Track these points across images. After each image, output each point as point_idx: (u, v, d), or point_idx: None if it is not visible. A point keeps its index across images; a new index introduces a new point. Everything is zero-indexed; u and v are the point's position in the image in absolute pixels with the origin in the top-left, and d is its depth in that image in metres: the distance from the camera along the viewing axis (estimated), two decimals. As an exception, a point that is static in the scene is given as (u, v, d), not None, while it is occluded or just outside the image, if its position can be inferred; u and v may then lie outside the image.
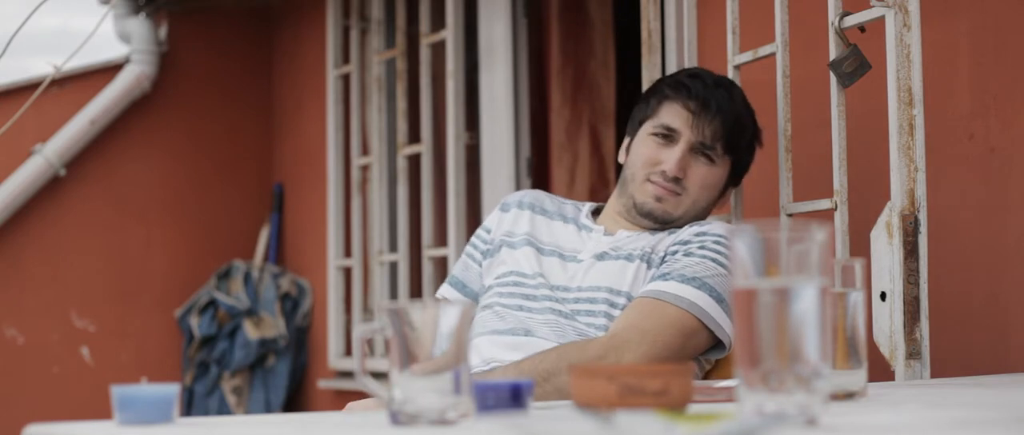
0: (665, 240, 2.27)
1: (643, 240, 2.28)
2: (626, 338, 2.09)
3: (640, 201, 2.32)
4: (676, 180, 2.29)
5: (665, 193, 2.30)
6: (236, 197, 4.94)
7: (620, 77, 3.84)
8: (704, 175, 2.31)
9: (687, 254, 2.19)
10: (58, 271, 4.66)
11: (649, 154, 2.33)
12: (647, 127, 2.35)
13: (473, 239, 2.45)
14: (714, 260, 2.18)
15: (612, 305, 2.19)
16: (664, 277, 2.17)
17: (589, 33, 3.90)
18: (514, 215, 2.39)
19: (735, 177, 2.39)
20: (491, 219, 2.44)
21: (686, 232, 2.25)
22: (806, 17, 2.58)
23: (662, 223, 2.32)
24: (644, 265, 2.23)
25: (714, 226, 2.25)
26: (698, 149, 2.31)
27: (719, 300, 2.15)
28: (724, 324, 2.15)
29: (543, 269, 2.28)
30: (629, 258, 2.25)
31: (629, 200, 2.34)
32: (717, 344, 2.18)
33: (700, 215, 2.35)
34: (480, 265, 2.39)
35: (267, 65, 5.01)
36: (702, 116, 2.30)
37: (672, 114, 2.32)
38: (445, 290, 2.41)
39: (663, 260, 2.23)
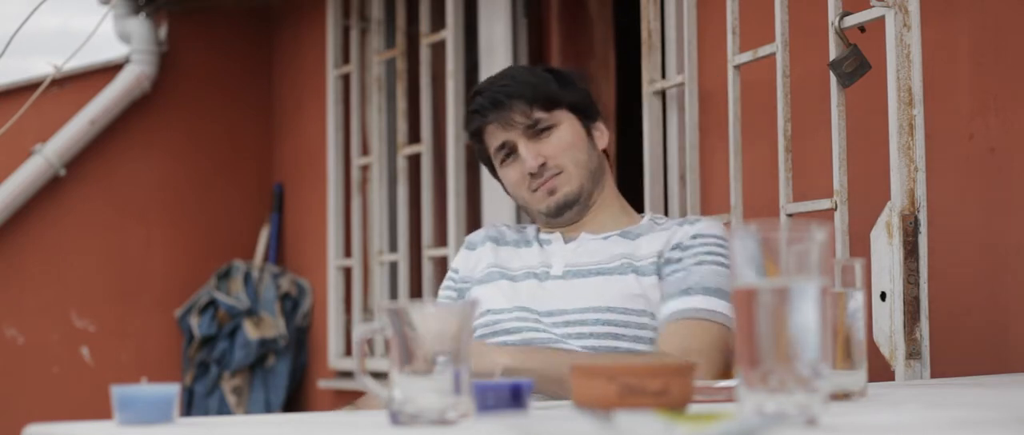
0: (644, 245, 2.24)
1: (617, 247, 2.25)
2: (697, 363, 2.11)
3: (544, 209, 2.33)
4: (543, 167, 2.30)
5: (548, 183, 2.31)
6: (236, 197, 4.94)
7: (620, 77, 3.84)
8: (555, 142, 2.31)
9: (699, 263, 2.18)
10: (58, 271, 4.66)
11: (512, 175, 2.35)
12: (494, 160, 2.38)
13: (445, 282, 2.42)
14: (721, 264, 2.18)
15: (606, 323, 2.17)
16: (688, 292, 2.16)
17: (589, 33, 3.90)
18: (479, 253, 2.38)
19: (586, 115, 2.37)
20: (458, 260, 2.42)
21: (679, 234, 2.23)
22: (806, 17, 2.58)
23: (575, 204, 2.31)
24: (632, 276, 2.21)
25: (706, 226, 2.23)
26: (529, 134, 2.31)
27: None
28: None
29: (522, 298, 2.25)
30: (608, 272, 2.22)
31: (540, 216, 2.36)
32: None
33: (593, 168, 2.33)
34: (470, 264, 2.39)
35: (267, 65, 5.01)
36: (502, 113, 2.31)
37: (491, 136, 2.35)
38: None
39: (666, 264, 2.21)
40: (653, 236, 2.24)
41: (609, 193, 2.37)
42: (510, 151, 2.33)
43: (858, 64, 2.33)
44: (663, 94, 3.04)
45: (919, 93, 2.21)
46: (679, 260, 2.20)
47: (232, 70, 4.97)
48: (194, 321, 4.70)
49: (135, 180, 4.78)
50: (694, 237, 2.22)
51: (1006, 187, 2.39)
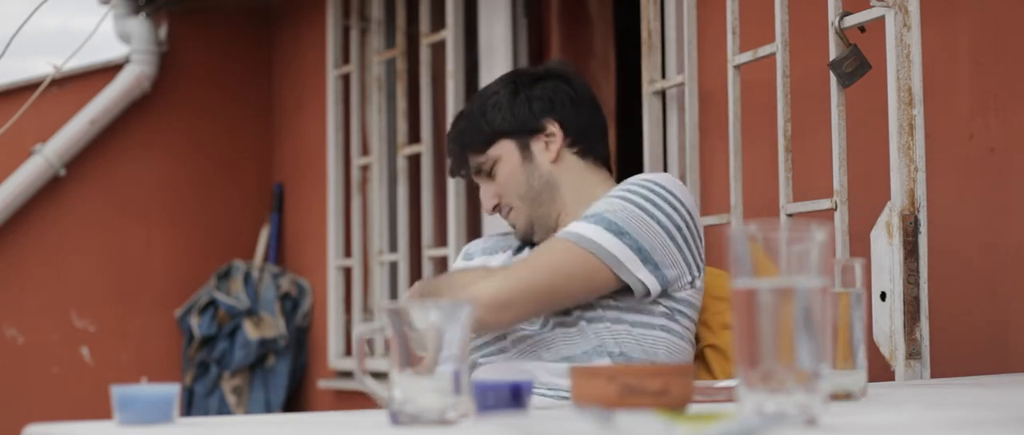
0: None
1: None
2: (509, 269, 2.10)
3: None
4: (496, 207, 2.29)
5: (508, 218, 2.31)
6: (236, 197, 4.94)
7: (620, 77, 3.84)
8: (499, 181, 2.27)
9: (603, 198, 2.16)
10: (58, 271, 4.66)
11: None
12: None
13: None
14: (623, 198, 2.11)
15: (581, 315, 2.17)
16: (573, 222, 2.15)
17: (589, 33, 3.90)
18: (477, 263, 2.36)
19: (523, 133, 2.26)
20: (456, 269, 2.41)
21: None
22: (806, 17, 2.58)
23: (532, 233, 2.29)
24: None
25: (642, 175, 2.20)
26: (481, 177, 2.30)
27: (619, 233, 2.07)
28: (627, 260, 2.07)
29: None
30: None
31: None
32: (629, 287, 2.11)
33: (536, 192, 2.27)
34: None
35: (267, 65, 5.00)
36: (455, 164, 2.33)
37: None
38: None
39: None
40: None
41: (571, 197, 2.27)
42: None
43: (858, 64, 2.33)
44: (663, 94, 3.04)
45: (919, 93, 2.21)
46: None
47: (232, 70, 4.96)
48: (194, 321, 4.70)
49: (135, 180, 4.78)
50: (620, 183, 2.19)
51: (1006, 187, 2.39)
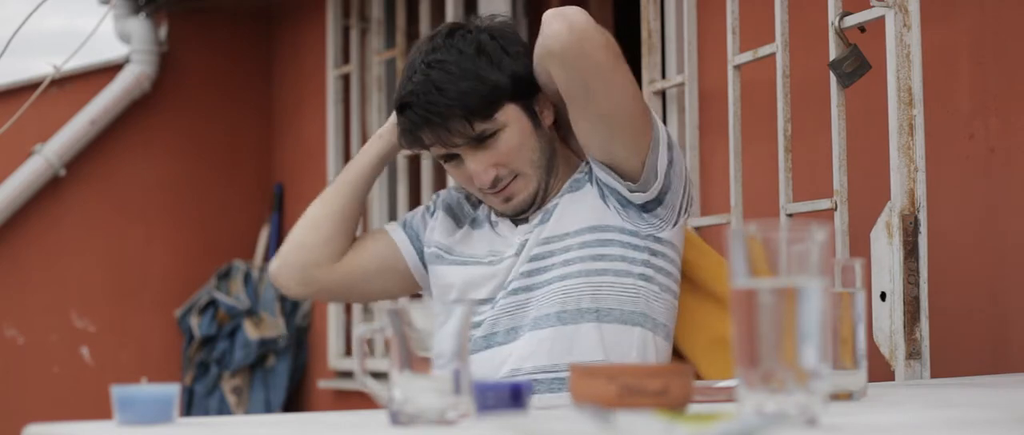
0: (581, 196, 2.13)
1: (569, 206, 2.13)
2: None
3: (500, 210, 2.16)
4: (496, 180, 2.09)
5: (503, 193, 2.11)
6: (236, 197, 4.94)
7: (620, 77, 3.84)
8: (504, 147, 2.08)
9: None
10: (58, 271, 4.66)
11: (459, 178, 2.15)
12: (435, 158, 2.19)
13: (402, 220, 2.32)
14: None
15: (583, 246, 2.07)
16: None
17: (589, 33, 3.90)
18: (440, 219, 2.25)
19: (528, 94, 2.10)
20: (416, 217, 2.30)
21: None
22: (806, 17, 2.58)
23: (533, 203, 2.14)
24: (596, 193, 2.10)
25: None
26: (473, 146, 2.08)
27: (671, 142, 2.09)
28: (662, 142, 2.05)
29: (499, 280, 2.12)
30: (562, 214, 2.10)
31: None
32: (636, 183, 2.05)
33: (548, 157, 2.13)
34: (426, 227, 2.27)
35: (267, 65, 5.01)
36: (438, 132, 2.07)
37: (432, 147, 2.14)
38: (392, 228, 2.29)
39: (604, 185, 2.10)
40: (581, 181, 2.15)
41: (562, 167, 2.17)
42: (450, 159, 2.13)
43: (858, 64, 2.33)
44: (663, 94, 3.04)
45: (919, 93, 2.21)
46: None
47: (232, 70, 4.96)
48: (194, 321, 4.70)
49: (135, 180, 4.78)
50: None
51: (1006, 187, 2.39)
